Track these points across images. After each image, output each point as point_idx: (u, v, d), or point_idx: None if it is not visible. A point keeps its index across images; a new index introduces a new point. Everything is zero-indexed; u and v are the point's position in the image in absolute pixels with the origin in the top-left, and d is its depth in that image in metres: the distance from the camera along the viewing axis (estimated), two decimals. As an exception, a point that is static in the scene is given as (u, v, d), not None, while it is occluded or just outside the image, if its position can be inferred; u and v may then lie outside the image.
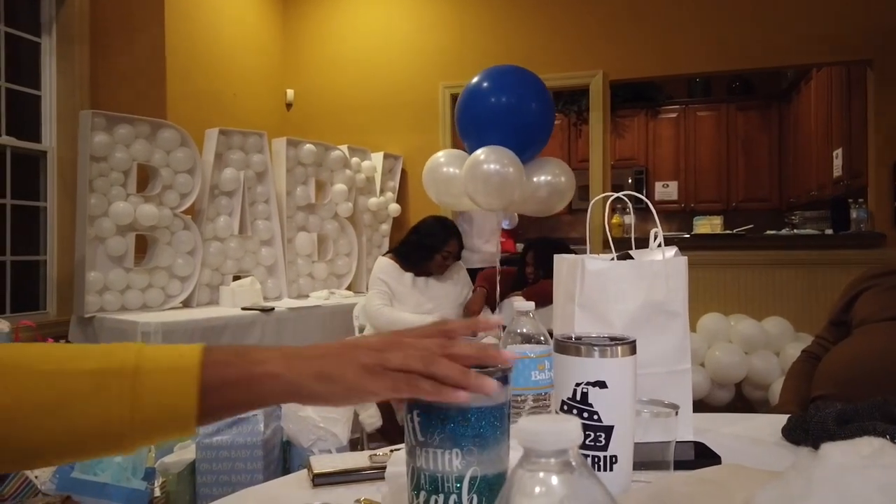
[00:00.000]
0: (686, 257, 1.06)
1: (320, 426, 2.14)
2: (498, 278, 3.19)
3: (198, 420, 0.57)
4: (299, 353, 0.61)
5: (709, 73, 5.59)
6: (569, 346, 0.79)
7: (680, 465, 0.87)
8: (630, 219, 1.38)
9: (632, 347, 0.79)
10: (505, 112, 3.00)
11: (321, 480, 0.93)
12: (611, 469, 0.78)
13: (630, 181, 6.77)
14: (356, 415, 2.67)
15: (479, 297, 3.23)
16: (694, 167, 6.77)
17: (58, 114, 3.30)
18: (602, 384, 0.77)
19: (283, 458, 2.23)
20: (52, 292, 3.28)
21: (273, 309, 3.25)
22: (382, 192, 4.49)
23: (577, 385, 0.77)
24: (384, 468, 0.79)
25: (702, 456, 0.97)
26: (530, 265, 3.43)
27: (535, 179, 3.09)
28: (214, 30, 4.24)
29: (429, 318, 2.96)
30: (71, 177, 3.13)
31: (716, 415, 1.24)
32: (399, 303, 3.03)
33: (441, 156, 3.21)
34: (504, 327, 1.02)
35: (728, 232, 5.23)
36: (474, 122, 3.09)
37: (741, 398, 3.74)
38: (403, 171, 4.66)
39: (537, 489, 0.40)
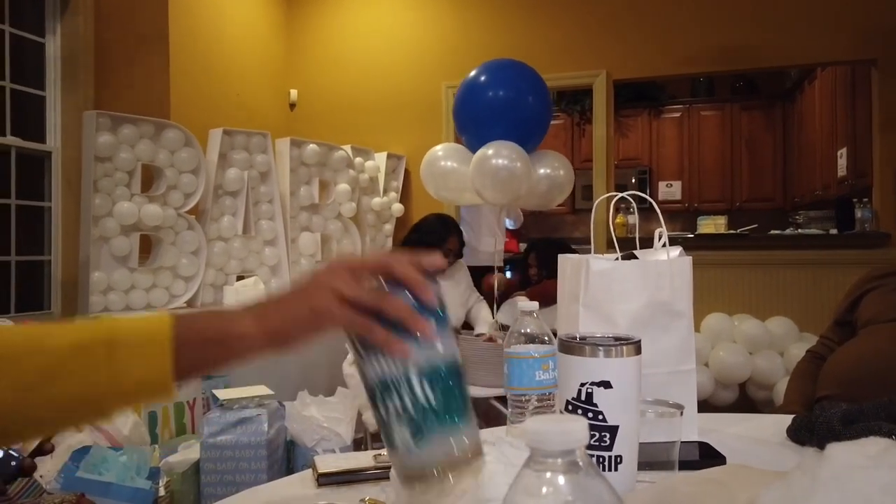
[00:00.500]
0: (690, 257, 1.06)
1: (324, 426, 2.14)
2: (497, 281, 3.19)
3: (175, 379, 0.60)
4: (265, 308, 0.65)
5: (713, 73, 5.58)
6: (573, 346, 0.79)
7: (684, 465, 0.87)
8: (634, 219, 1.38)
9: (636, 347, 0.79)
10: (503, 106, 2.99)
11: (325, 480, 0.93)
12: (615, 469, 0.78)
13: (634, 181, 6.76)
14: (360, 414, 2.67)
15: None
16: (698, 167, 6.76)
17: (62, 114, 3.30)
18: (607, 384, 0.77)
19: (287, 457, 2.24)
20: (57, 292, 3.29)
21: (277, 309, 3.25)
22: (386, 191, 4.49)
23: (582, 385, 0.77)
24: (388, 468, 0.79)
25: (706, 456, 0.97)
26: (533, 266, 3.43)
27: (534, 173, 3.08)
28: (218, 30, 4.25)
29: None
30: (75, 177, 3.14)
31: (720, 415, 1.24)
32: None
33: (439, 149, 3.20)
34: (507, 327, 1.02)
35: (732, 232, 5.22)
36: (472, 116, 3.09)
37: (745, 398, 3.73)
38: (407, 171, 4.66)
39: (544, 489, 0.40)
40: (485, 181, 2.90)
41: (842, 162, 4.89)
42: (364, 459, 0.97)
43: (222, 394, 2.17)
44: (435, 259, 0.66)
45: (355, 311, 0.61)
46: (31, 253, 3.24)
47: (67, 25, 3.32)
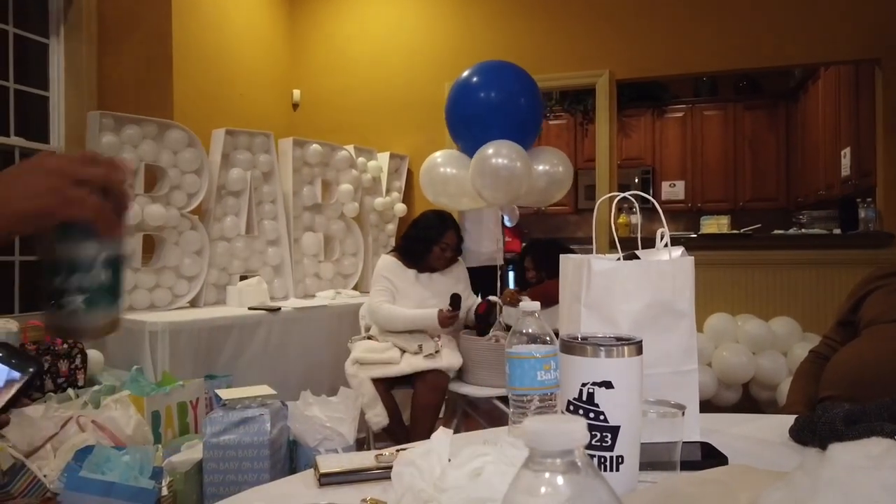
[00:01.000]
0: (693, 257, 1.06)
1: (327, 426, 2.14)
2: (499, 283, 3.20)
3: None
4: (6, 189, 0.67)
5: (716, 73, 5.57)
6: (575, 346, 0.79)
7: (686, 465, 0.87)
8: (636, 218, 1.38)
9: (638, 347, 0.79)
10: (494, 108, 2.99)
11: (327, 480, 0.93)
12: (617, 469, 0.77)
13: (636, 181, 6.75)
14: (362, 414, 2.68)
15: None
16: (701, 167, 6.75)
17: (66, 114, 3.31)
18: (608, 384, 0.76)
19: (290, 457, 2.24)
20: (61, 292, 3.30)
21: (279, 309, 3.26)
22: (388, 191, 4.49)
23: (584, 385, 0.77)
24: (390, 468, 0.79)
25: (708, 456, 0.96)
26: (531, 269, 3.43)
27: (532, 170, 3.08)
28: (221, 30, 4.26)
29: (418, 311, 2.97)
30: (79, 177, 3.15)
31: (723, 415, 1.24)
32: (403, 298, 3.03)
33: (438, 156, 3.21)
34: (509, 327, 1.02)
35: (735, 232, 5.20)
36: (463, 119, 3.09)
37: (748, 398, 3.72)
38: (409, 171, 4.66)
39: (543, 489, 0.40)
40: (485, 181, 2.90)
41: (845, 161, 4.87)
42: (366, 459, 0.97)
43: (225, 393, 2.17)
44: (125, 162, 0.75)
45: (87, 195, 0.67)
46: (34, 253, 3.25)
47: (71, 26, 3.33)
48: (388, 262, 3.11)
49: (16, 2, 3.15)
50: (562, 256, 1.12)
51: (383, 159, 4.48)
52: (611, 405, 0.77)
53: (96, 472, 1.84)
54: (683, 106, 6.82)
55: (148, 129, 3.12)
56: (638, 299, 1.00)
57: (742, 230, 5.17)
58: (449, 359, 2.90)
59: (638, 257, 1.09)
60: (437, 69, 4.59)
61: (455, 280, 3.18)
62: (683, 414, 0.85)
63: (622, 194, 1.10)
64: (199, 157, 3.28)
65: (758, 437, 1.09)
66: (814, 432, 1.00)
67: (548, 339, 0.92)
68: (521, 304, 0.97)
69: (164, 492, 2.00)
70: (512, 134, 2.93)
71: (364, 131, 4.68)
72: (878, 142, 3.95)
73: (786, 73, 6.37)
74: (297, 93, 5.00)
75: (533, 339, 0.92)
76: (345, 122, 4.80)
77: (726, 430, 1.11)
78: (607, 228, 4.00)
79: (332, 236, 4.03)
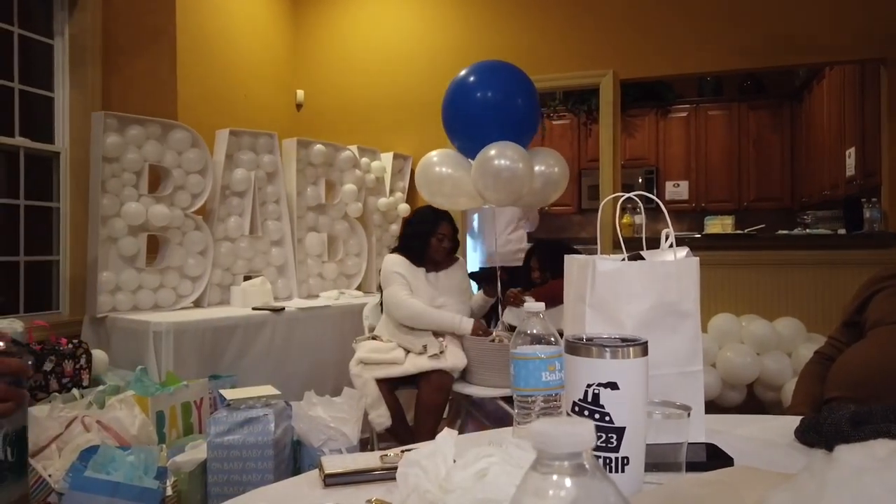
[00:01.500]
0: (697, 257, 1.06)
1: (331, 426, 2.14)
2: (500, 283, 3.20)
3: None
4: None
5: (720, 73, 5.55)
6: (580, 346, 0.79)
7: (692, 466, 0.86)
8: (641, 219, 1.37)
9: (643, 348, 0.78)
10: (492, 108, 2.98)
11: (332, 480, 0.93)
12: (622, 471, 0.77)
13: (640, 181, 6.74)
14: (366, 414, 2.68)
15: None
16: (705, 167, 6.74)
17: (70, 115, 3.32)
18: (614, 385, 0.76)
19: (294, 457, 2.24)
20: (65, 292, 3.31)
21: (283, 309, 3.26)
22: (392, 192, 4.49)
23: (589, 386, 0.77)
24: (395, 468, 0.79)
25: (714, 457, 0.96)
26: (536, 270, 3.43)
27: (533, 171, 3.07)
28: (225, 31, 4.26)
29: (445, 313, 2.96)
30: (83, 178, 3.16)
31: (728, 416, 1.23)
32: (415, 295, 3.01)
33: (434, 155, 3.20)
34: (513, 328, 1.02)
35: (739, 232, 5.20)
36: (459, 118, 3.08)
37: (753, 399, 3.71)
38: (413, 171, 4.65)
39: (551, 492, 0.40)
40: (487, 182, 2.90)
41: (850, 161, 4.86)
42: (371, 460, 0.97)
43: (229, 394, 2.18)
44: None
45: None
46: (39, 253, 3.26)
47: (75, 27, 3.34)
48: (397, 260, 3.10)
49: (20, 3, 3.16)
50: (566, 257, 1.12)
51: (387, 159, 4.48)
52: (616, 406, 0.77)
53: (101, 472, 1.84)
54: (687, 106, 6.81)
55: (152, 129, 3.12)
56: (643, 300, 1.00)
57: (746, 230, 5.17)
58: (453, 359, 2.90)
59: (643, 258, 1.08)
60: (440, 69, 4.58)
61: (459, 279, 3.18)
62: (689, 415, 0.85)
63: (626, 194, 1.10)
64: (203, 158, 3.29)
65: (763, 438, 1.08)
66: (819, 434, 0.99)
67: (553, 339, 0.91)
68: (525, 304, 0.97)
69: (169, 492, 2.00)
70: (508, 134, 2.92)
71: (367, 131, 4.68)
72: (883, 142, 3.94)
73: (790, 73, 6.35)
74: (300, 93, 5.01)
75: (538, 339, 0.91)
76: (348, 123, 4.81)
77: (731, 431, 1.10)
78: (611, 229, 3.99)
79: (335, 236, 4.04)
